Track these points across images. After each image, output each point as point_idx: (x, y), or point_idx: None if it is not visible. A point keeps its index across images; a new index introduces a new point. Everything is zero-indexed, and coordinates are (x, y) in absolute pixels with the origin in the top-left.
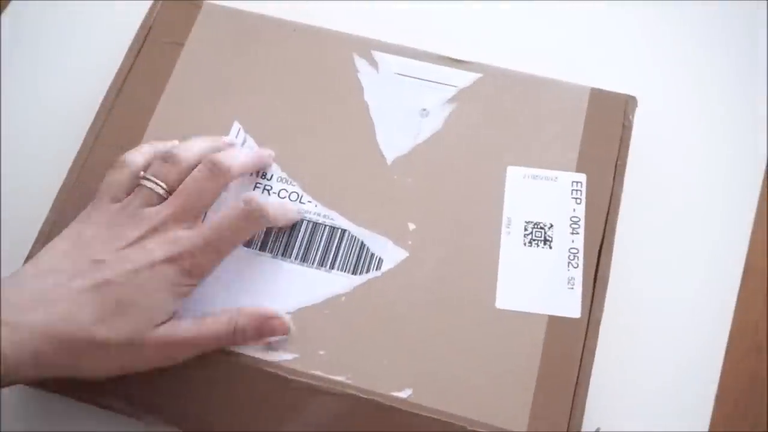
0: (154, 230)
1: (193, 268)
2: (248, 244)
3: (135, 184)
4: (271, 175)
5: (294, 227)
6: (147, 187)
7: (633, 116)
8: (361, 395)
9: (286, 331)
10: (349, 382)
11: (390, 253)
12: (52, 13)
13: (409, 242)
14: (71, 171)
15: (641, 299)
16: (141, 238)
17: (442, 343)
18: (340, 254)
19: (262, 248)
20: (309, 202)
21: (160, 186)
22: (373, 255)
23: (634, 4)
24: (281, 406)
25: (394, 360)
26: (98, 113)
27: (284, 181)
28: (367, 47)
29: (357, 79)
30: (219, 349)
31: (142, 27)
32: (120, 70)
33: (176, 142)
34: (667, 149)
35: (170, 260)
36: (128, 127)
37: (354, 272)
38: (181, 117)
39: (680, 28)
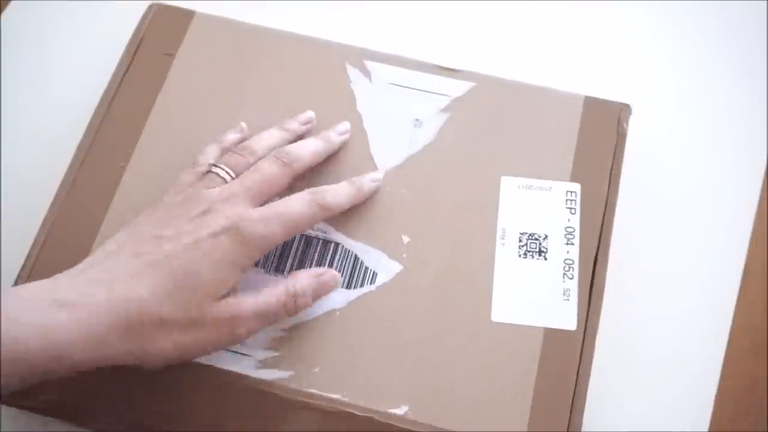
0: (215, 206)
1: (252, 240)
2: None
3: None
4: None
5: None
6: (214, 173)
7: (627, 124)
8: (358, 413)
9: (337, 282)
10: (345, 399)
11: (384, 267)
12: (52, 14)
13: (404, 255)
14: (69, 171)
15: (638, 309)
16: (203, 213)
17: (438, 357)
18: (333, 268)
19: (255, 264)
20: None
21: (228, 174)
22: (367, 269)
23: (628, 12)
24: (276, 424)
25: (390, 376)
26: (90, 124)
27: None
28: (359, 57)
29: (350, 89)
30: (213, 368)
31: (133, 37)
32: (112, 80)
33: (243, 126)
34: (663, 157)
35: (228, 231)
36: (121, 137)
37: (348, 286)
38: (173, 127)
39: (675, 35)
